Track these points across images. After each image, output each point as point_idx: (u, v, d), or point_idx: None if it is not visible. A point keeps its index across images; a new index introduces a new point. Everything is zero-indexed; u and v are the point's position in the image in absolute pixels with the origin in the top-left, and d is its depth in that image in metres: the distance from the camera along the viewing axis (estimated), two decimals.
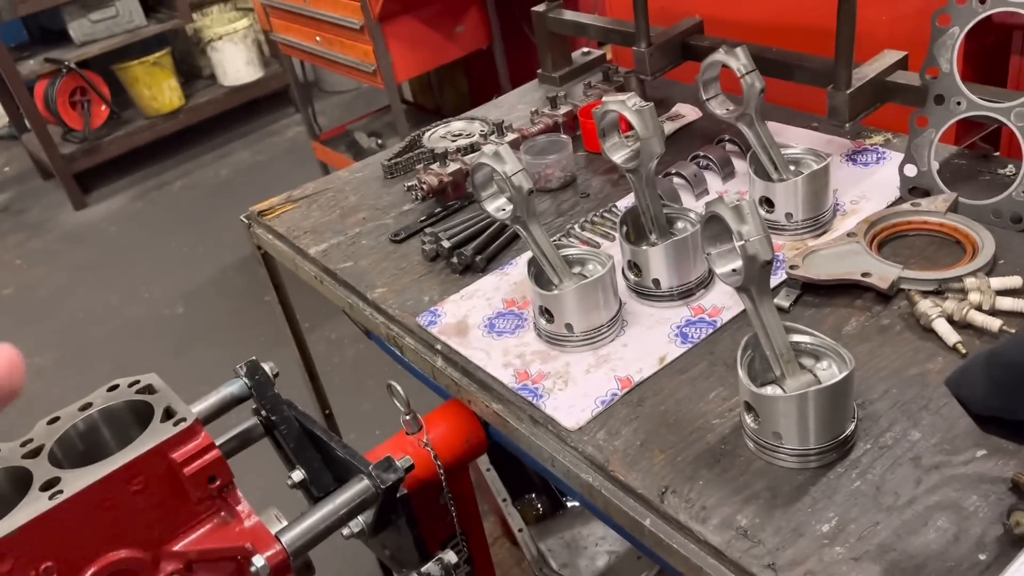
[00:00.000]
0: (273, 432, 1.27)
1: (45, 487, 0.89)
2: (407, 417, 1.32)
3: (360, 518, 1.14)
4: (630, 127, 1.15)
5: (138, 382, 1.05)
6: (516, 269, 1.37)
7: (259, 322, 3.47)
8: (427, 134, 1.77)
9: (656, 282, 1.19)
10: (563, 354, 1.17)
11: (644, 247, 1.19)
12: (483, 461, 1.91)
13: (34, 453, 0.95)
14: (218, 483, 0.97)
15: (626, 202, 1.46)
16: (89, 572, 0.90)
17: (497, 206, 1.19)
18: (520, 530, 1.77)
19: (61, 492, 0.88)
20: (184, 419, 0.96)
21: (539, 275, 1.19)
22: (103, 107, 4.68)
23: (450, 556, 1.08)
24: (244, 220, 1.69)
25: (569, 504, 2.03)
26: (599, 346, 1.16)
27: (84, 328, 3.71)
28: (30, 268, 4.25)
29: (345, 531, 1.15)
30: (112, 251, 4.29)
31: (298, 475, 1.23)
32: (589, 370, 1.13)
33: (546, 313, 1.16)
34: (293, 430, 1.24)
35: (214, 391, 1.24)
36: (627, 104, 1.13)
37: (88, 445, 1.01)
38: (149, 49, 4.74)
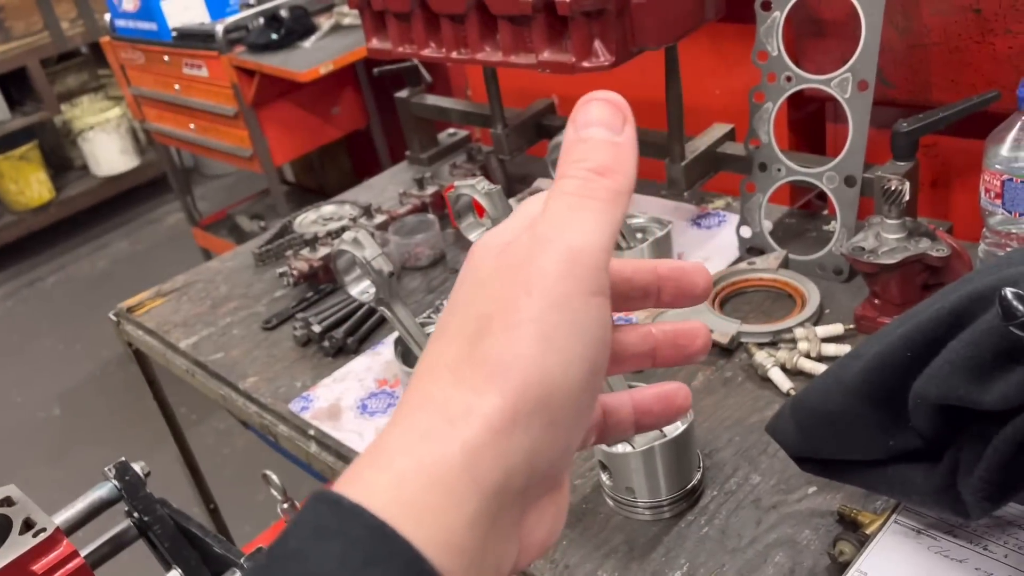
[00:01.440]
0: (147, 533, 1.25)
1: None
2: (284, 505, 1.32)
3: None
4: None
5: None
6: (387, 348, 1.40)
7: (143, 418, 3.32)
8: (298, 219, 1.80)
9: None
10: None
11: None
12: None
13: None
14: None
15: None
16: None
17: (361, 289, 1.23)
18: None
19: None
20: (44, 529, 0.95)
21: (406, 353, 1.23)
22: None
23: None
24: (112, 317, 1.66)
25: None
26: None
27: None
28: None
29: None
30: None
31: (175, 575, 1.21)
32: None
33: None
34: (168, 529, 1.23)
35: (81, 496, 1.21)
36: (477, 188, 1.20)
37: None
38: (15, 143, 4.60)
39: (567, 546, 0.99)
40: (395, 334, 1.43)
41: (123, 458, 1.24)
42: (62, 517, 1.16)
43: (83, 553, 1.12)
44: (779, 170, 1.37)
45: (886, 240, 1.16)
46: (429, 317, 1.45)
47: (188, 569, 1.21)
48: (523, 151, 1.75)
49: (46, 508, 1.02)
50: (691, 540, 0.96)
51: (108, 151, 4.90)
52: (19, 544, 0.92)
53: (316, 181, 4.40)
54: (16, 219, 4.65)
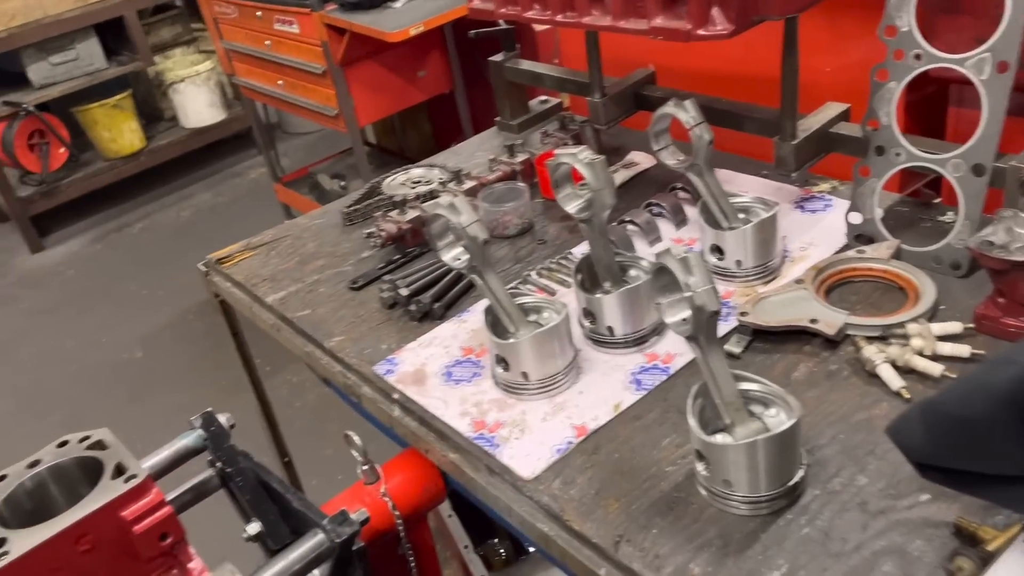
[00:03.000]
0: (229, 484, 1.26)
1: None
2: (364, 467, 1.31)
3: (316, 572, 1.13)
4: (583, 178, 1.18)
5: (88, 437, 1.04)
6: (474, 316, 1.38)
7: (220, 366, 3.41)
8: (386, 181, 1.78)
9: (610, 329, 1.21)
10: (520, 402, 1.17)
11: (598, 295, 1.21)
12: (445, 507, 1.90)
13: None
14: (170, 540, 0.96)
15: (582, 249, 1.49)
16: None
17: (453, 255, 1.20)
18: None
19: (7, 554, 0.86)
20: (135, 476, 0.95)
21: (495, 323, 1.20)
22: (61, 149, 4.64)
23: None
24: (202, 268, 1.68)
25: (532, 549, 2.02)
26: (555, 394, 1.17)
27: (40, 374, 3.64)
28: None
29: None
30: (69, 295, 4.22)
31: (254, 528, 1.21)
32: (545, 418, 1.14)
33: (502, 362, 1.17)
34: (249, 482, 1.23)
35: (168, 444, 1.23)
36: (579, 157, 1.16)
37: (36, 504, 0.99)
38: (110, 91, 4.72)
39: (657, 535, 0.95)
40: (483, 302, 1.40)
41: (209, 408, 1.25)
42: (149, 463, 1.17)
43: (167, 499, 1.13)
44: (898, 155, 1.29)
45: (1019, 236, 1.08)
46: (517, 287, 1.42)
47: (267, 523, 1.21)
48: (619, 121, 1.69)
49: (126, 448, 1.02)
50: (791, 540, 0.91)
51: (197, 103, 4.99)
52: (110, 489, 0.93)
53: (397, 144, 4.41)
54: (108, 166, 4.79)
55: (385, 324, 1.41)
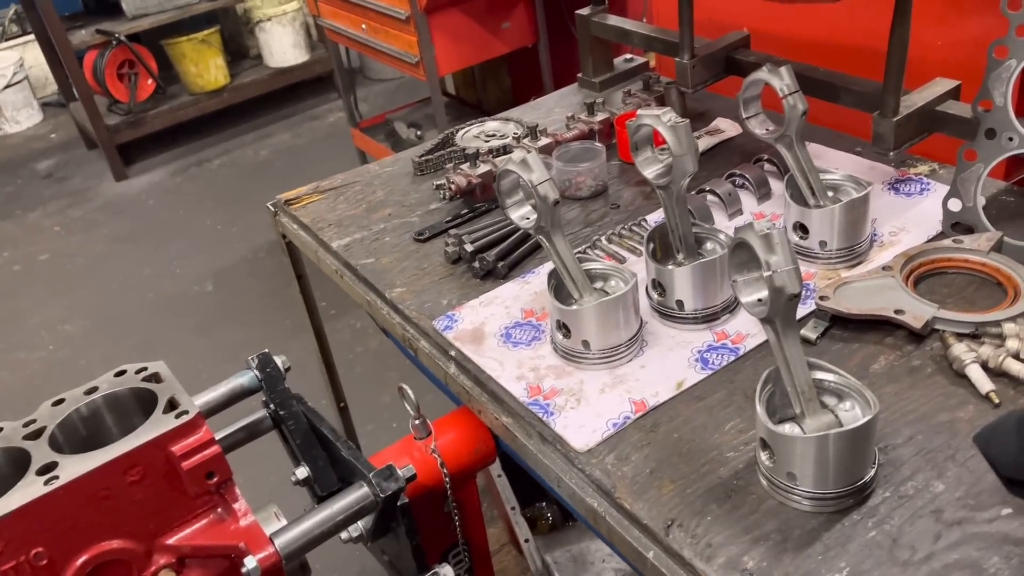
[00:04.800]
0: (281, 426, 1.26)
1: (42, 471, 0.88)
2: (416, 422, 1.30)
3: (360, 523, 1.13)
4: (664, 142, 1.12)
5: (145, 369, 1.04)
6: (538, 278, 1.34)
7: (287, 305, 3.47)
8: (460, 132, 1.74)
9: (680, 303, 1.16)
10: (578, 371, 1.14)
11: (670, 267, 1.15)
12: (495, 467, 1.88)
13: (35, 435, 0.94)
14: (216, 479, 0.96)
15: (656, 217, 1.43)
16: (80, 560, 0.90)
17: (521, 214, 1.16)
18: (527, 540, 1.74)
19: (57, 478, 0.87)
20: (186, 412, 0.95)
21: (559, 288, 1.16)
22: (150, 81, 4.73)
23: (447, 571, 1.06)
24: (270, 208, 1.68)
25: None
26: (615, 365, 1.13)
27: (115, 299, 3.75)
28: (68, 236, 4.31)
29: (344, 535, 1.13)
30: (148, 224, 4.33)
31: (302, 472, 1.21)
32: (604, 390, 1.10)
33: (563, 328, 1.13)
34: (301, 426, 1.23)
35: (223, 382, 1.23)
36: (662, 119, 1.09)
37: (90, 430, 1.00)
38: (198, 26, 4.78)
39: (711, 523, 0.91)
40: (548, 265, 1.36)
41: (266, 350, 1.25)
42: (203, 399, 1.17)
43: (219, 436, 1.14)
44: (1010, 139, 1.19)
45: None
46: (585, 252, 1.37)
47: (315, 468, 1.21)
48: (707, 85, 1.61)
49: (187, 378, 1.02)
50: (856, 542, 0.86)
51: (281, 43, 5.01)
52: (162, 423, 0.93)
53: (475, 96, 4.35)
54: (192, 100, 4.86)
55: (447, 279, 1.38)
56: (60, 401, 0.99)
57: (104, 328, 3.57)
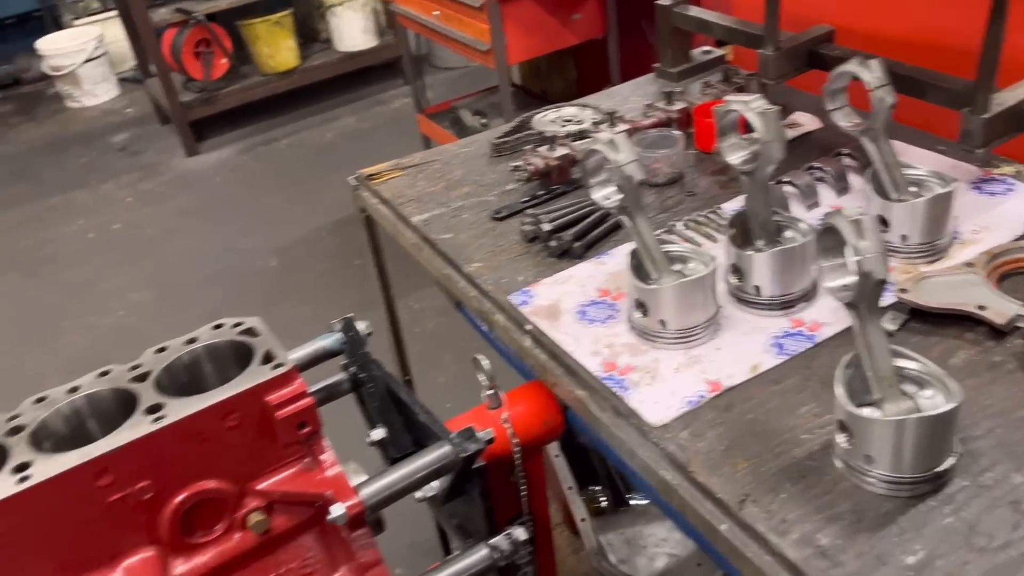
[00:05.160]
0: (359, 389, 1.31)
1: (150, 411, 0.94)
2: (489, 392, 1.33)
3: (435, 483, 1.16)
4: (750, 129, 1.13)
5: (242, 323, 1.09)
6: (613, 260, 1.36)
7: (347, 285, 3.55)
8: (537, 117, 1.77)
9: (757, 289, 1.17)
10: (653, 350, 1.16)
11: (750, 252, 1.17)
12: (553, 447, 1.91)
13: (142, 378, 1.00)
14: (307, 430, 1.00)
15: (732, 205, 1.44)
16: (180, 496, 0.95)
17: (604, 194, 1.19)
18: (583, 520, 1.77)
19: (164, 417, 0.93)
20: (282, 364, 0.99)
21: (638, 267, 1.18)
22: (224, 60, 4.85)
23: (519, 532, 1.09)
24: (352, 181, 1.72)
25: (633, 502, 2.02)
26: (691, 346, 1.15)
27: (182, 270, 3.87)
28: (139, 207, 4.45)
29: (418, 494, 1.18)
30: (216, 200, 4.45)
31: (378, 433, 1.26)
32: (679, 369, 1.12)
33: (641, 307, 1.15)
34: (379, 389, 1.27)
35: (309, 342, 1.28)
36: (751, 105, 1.11)
37: (190, 377, 1.05)
38: (272, 8, 4.88)
39: (785, 500, 0.92)
40: (623, 247, 1.38)
41: (351, 315, 1.30)
42: (292, 356, 1.23)
43: None
44: None
45: None
46: (661, 236, 1.38)
47: (391, 431, 1.25)
48: (788, 79, 1.61)
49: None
50: (931, 527, 0.87)
51: (352, 28, 5.10)
52: (259, 374, 0.98)
53: (540, 87, 4.37)
54: (263, 80, 4.97)
55: (523, 257, 1.41)
56: (163, 349, 1.05)
57: (171, 297, 3.69)
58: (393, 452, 1.25)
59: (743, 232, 1.22)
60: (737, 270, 1.19)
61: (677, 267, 1.19)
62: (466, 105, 4.23)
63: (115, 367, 1.02)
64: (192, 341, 1.06)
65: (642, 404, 1.07)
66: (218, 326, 1.09)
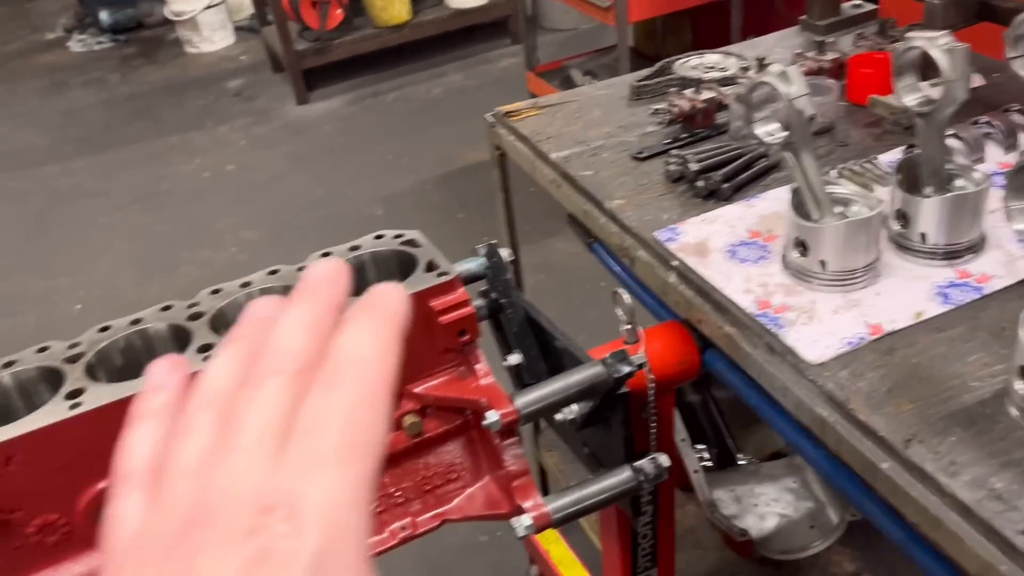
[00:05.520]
0: (498, 315, 1.33)
1: None
2: (627, 327, 1.33)
3: (575, 407, 1.17)
4: (926, 71, 1.09)
5: (402, 235, 1.12)
6: (763, 203, 1.34)
7: (450, 238, 3.56)
8: (678, 63, 1.74)
9: (923, 236, 1.13)
10: (809, 291, 1.14)
11: (919, 197, 1.13)
12: None
13: None
14: (467, 337, 1.02)
15: (889, 157, 1.39)
16: None
17: (768, 130, 1.16)
18: (696, 471, 1.76)
19: None
20: (446, 273, 1.01)
21: (799, 207, 1.15)
22: (339, 11, 4.92)
23: (663, 458, 1.09)
24: (489, 118, 1.74)
25: (741, 462, 2.00)
26: (850, 290, 1.12)
27: (291, 212, 3.98)
28: (252, 150, 4.59)
29: (559, 416, 1.19)
30: (325, 148, 4.54)
31: (515, 359, 1.27)
32: (836, 311, 1.10)
33: (800, 246, 1.13)
34: (518, 315, 1.29)
35: (455, 263, 1.30)
36: (937, 42, 1.07)
37: (354, 282, 1.08)
38: None
39: (955, 443, 0.90)
40: (774, 190, 1.36)
41: (494, 240, 1.31)
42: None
43: None
44: None
45: None
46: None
47: (528, 357, 1.26)
48: (956, 29, 1.53)
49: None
50: None
51: None
52: (424, 280, 1.00)
53: (654, 49, 4.31)
54: (375, 33, 5.04)
55: (667, 196, 1.40)
56: (327, 254, 1.08)
57: (281, 237, 3.80)
58: (528, 378, 1.27)
59: (910, 178, 1.18)
60: (903, 216, 1.15)
61: (839, 210, 1.16)
62: (577, 65, 4.21)
63: (283, 267, 1.06)
64: (355, 248, 1.09)
65: (799, 342, 1.06)
66: (379, 236, 1.12)
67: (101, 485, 0.86)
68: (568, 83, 4.06)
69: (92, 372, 0.90)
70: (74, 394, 0.85)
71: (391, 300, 0.39)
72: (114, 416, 0.84)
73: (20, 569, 0.86)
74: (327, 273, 0.39)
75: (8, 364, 0.91)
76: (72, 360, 0.91)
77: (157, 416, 0.36)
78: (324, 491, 0.30)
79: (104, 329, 0.96)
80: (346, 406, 0.33)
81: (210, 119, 4.95)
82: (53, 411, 0.83)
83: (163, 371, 0.39)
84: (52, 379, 0.90)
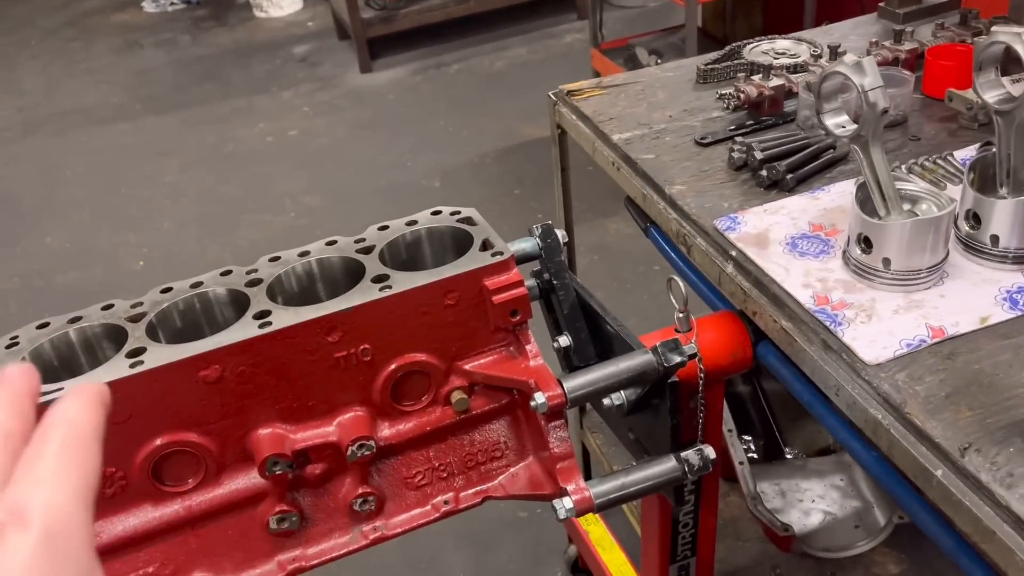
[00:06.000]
0: (549, 296, 1.32)
1: (376, 280, 0.98)
2: (681, 315, 1.32)
3: (623, 393, 1.17)
4: (1008, 67, 1.05)
5: (459, 211, 1.12)
6: (828, 196, 1.30)
7: (506, 213, 3.59)
8: (748, 48, 1.70)
9: (994, 239, 1.10)
10: (870, 289, 1.11)
11: (992, 198, 1.09)
12: None
13: (367, 251, 1.04)
14: (518, 318, 1.02)
15: (964, 154, 1.35)
16: (394, 364, 0.99)
17: (838, 122, 1.13)
18: (741, 463, 1.74)
19: (390, 287, 0.96)
20: (501, 252, 1.02)
21: (864, 202, 1.12)
22: None
23: (709, 451, 1.08)
24: (551, 96, 1.72)
25: (788, 456, 1.98)
26: (913, 290, 1.09)
27: (351, 180, 4.02)
28: (315, 117, 4.64)
29: (606, 401, 1.19)
30: (386, 117, 4.57)
31: (564, 340, 1.27)
32: (897, 311, 1.07)
33: (863, 242, 1.10)
34: (569, 297, 1.28)
35: (509, 243, 1.30)
36: (1023, 37, 1.02)
37: (410, 256, 1.09)
38: None
39: (1014, 454, 0.87)
40: (839, 183, 1.33)
41: (549, 221, 1.31)
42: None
43: None
44: None
45: None
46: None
47: (577, 339, 1.26)
48: None
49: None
50: None
51: None
52: (479, 259, 1.00)
53: (722, 31, 4.22)
54: (440, 4, 5.03)
55: (729, 184, 1.38)
56: (385, 227, 1.09)
57: (340, 205, 3.85)
58: (576, 360, 1.26)
59: (983, 178, 1.14)
60: (974, 216, 1.11)
61: (907, 207, 1.13)
62: (643, 43, 4.14)
63: (341, 239, 1.08)
64: (413, 223, 1.10)
65: (856, 341, 1.03)
66: (436, 212, 1.12)
67: (158, 441, 0.90)
68: (633, 61, 4.01)
69: (153, 332, 0.93)
70: (135, 352, 0.88)
71: (89, 391, 0.47)
72: (171, 376, 0.88)
73: None
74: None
75: (74, 319, 0.94)
76: (135, 320, 0.94)
77: None
78: (45, 499, 0.40)
79: (166, 290, 0.99)
80: (58, 443, 0.43)
81: (275, 84, 5.02)
82: (115, 368, 0.86)
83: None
84: (115, 336, 0.93)
